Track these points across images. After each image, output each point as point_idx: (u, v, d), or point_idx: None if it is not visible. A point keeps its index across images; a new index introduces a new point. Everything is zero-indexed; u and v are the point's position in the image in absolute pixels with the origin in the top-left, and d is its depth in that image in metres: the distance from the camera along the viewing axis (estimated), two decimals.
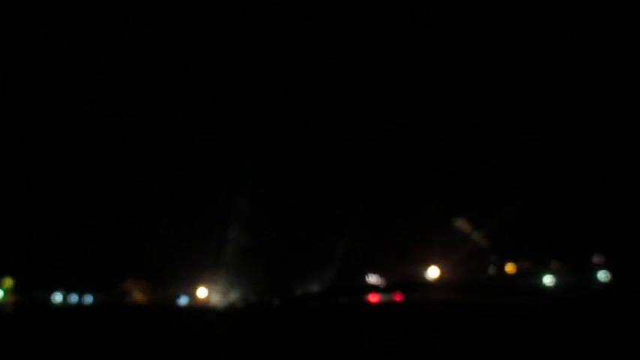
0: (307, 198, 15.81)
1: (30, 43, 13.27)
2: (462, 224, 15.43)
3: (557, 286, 13.00)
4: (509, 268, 15.52)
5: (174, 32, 13.63)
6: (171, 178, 14.95)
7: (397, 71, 15.53)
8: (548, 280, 11.45)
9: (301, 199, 15.80)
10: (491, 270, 15.52)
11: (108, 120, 14.41)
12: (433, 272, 14.58)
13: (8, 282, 12.62)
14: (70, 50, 13.59)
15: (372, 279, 16.11)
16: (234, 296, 14.12)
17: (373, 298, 13.83)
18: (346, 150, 16.03)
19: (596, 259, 13.97)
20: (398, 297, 14.42)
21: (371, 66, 15.63)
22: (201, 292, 14.65)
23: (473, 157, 15.73)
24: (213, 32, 13.83)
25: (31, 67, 13.51)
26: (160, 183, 14.85)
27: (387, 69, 15.43)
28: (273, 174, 15.73)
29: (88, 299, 13.86)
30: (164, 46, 14.00)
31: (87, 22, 13.48)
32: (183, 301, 14.49)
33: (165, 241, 13.88)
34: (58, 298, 13.53)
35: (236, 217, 14.55)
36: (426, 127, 15.79)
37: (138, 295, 14.03)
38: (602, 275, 13.57)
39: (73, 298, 13.77)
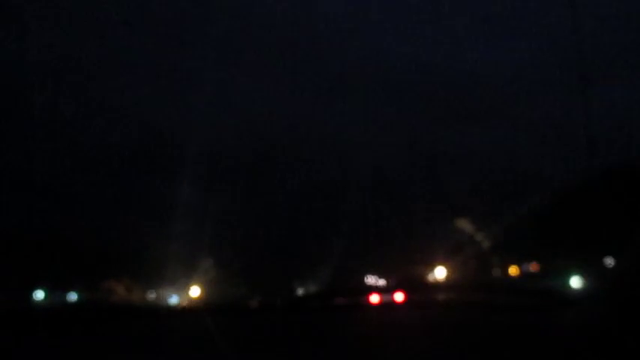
0: (306, 197, 15.36)
1: None
2: (465, 225, 15.04)
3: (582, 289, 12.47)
4: (513, 270, 15.09)
5: None
6: (165, 175, 14.41)
7: (410, 70, 15.17)
8: (575, 282, 10.81)
9: (300, 198, 15.36)
10: (495, 272, 15.11)
11: (95, 116, 13.87)
12: (440, 272, 14.13)
13: None
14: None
15: (372, 279, 15.67)
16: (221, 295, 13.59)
17: (374, 298, 13.23)
18: (349, 151, 15.62)
19: (608, 261, 13.52)
20: (399, 297, 13.85)
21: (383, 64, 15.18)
22: (194, 291, 14.03)
23: (478, 157, 15.34)
24: None
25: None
26: (152, 179, 14.29)
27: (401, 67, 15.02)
28: (274, 171, 15.29)
29: (72, 297, 13.12)
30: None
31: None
32: (173, 300, 13.82)
33: (157, 237, 13.29)
34: (39, 295, 12.75)
35: (230, 214, 14.04)
36: (432, 129, 15.48)
37: (126, 294, 13.35)
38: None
39: (57, 295, 13.03)
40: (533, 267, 14.85)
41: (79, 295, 13.07)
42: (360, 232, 14.78)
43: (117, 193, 14.19)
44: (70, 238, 12.54)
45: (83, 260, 12.71)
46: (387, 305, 13.08)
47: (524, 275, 14.73)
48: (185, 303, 13.68)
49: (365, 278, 15.26)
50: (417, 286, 13.24)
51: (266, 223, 14.61)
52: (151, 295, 13.88)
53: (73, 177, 13.61)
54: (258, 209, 14.91)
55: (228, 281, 13.84)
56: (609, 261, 13.50)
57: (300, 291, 14.28)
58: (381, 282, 14.66)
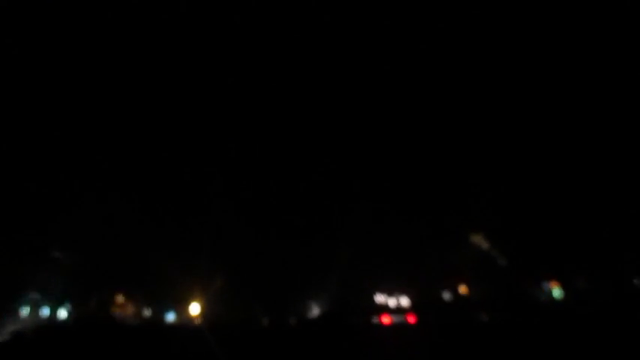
0: (315, 215, 14.57)
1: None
2: (482, 241, 14.28)
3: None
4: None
5: None
6: (169, 186, 13.61)
7: (413, 80, 14.51)
8: None
9: (309, 215, 14.57)
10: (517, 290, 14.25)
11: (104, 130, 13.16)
12: (460, 289, 13.25)
13: None
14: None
15: (381, 298, 14.82)
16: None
17: (385, 319, 12.43)
18: (359, 169, 14.86)
19: (636, 281, 12.65)
20: (411, 318, 13.03)
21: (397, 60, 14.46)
22: (194, 309, 13.11)
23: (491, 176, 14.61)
24: None
25: None
26: (156, 190, 13.46)
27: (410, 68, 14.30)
28: (284, 189, 14.53)
29: (62, 314, 12.12)
30: None
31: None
32: (170, 317, 12.86)
33: (155, 250, 12.38)
34: (24, 311, 11.75)
35: (234, 229, 13.23)
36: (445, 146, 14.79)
37: (120, 309, 12.40)
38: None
39: (44, 311, 12.06)
40: (553, 284, 13.97)
41: (69, 312, 12.12)
42: (369, 248, 13.93)
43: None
44: (61, 251, 11.61)
45: (75, 275, 11.77)
46: (399, 327, 12.24)
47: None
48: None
49: (375, 297, 14.43)
50: (433, 306, 12.41)
51: (272, 241, 13.72)
52: (147, 312, 12.96)
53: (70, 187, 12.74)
54: (265, 226, 14.03)
55: (231, 299, 12.95)
56: (637, 281, 12.67)
57: (314, 311, 13.36)
58: (403, 301, 13.77)
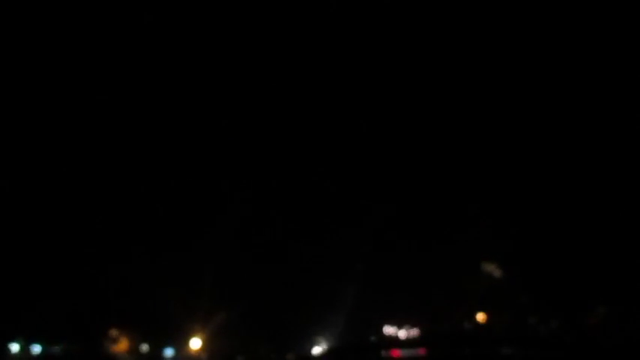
0: (319, 244, 14.18)
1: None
2: (492, 269, 13.77)
3: None
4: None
5: None
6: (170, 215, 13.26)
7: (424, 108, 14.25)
8: None
9: (313, 243, 14.19)
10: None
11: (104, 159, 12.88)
12: (480, 317, 12.64)
13: None
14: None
15: (390, 330, 14.28)
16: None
17: (395, 353, 11.74)
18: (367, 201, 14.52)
19: None
20: (422, 351, 12.34)
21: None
22: (195, 343, 12.56)
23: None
24: None
25: None
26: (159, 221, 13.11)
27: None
28: (287, 218, 14.18)
29: (55, 350, 11.60)
30: None
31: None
32: (169, 353, 12.30)
33: (152, 281, 11.92)
34: (14, 348, 11.23)
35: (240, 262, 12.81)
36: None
37: (114, 345, 11.86)
38: None
39: (36, 349, 11.53)
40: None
41: (62, 348, 11.61)
42: (377, 277, 13.44)
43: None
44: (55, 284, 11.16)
45: (69, 310, 11.30)
46: None
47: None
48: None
49: (383, 329, 13.85)
50: (447, 337, 11.78)
51: (275, 272, 13.27)
52: (144, 347, 12.42)
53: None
54: (269, 256, 13.60)
55: (233, 333, 12.41)
56: None
57: (317, 348, 12.75)
58: (414, 332, 13.17)
